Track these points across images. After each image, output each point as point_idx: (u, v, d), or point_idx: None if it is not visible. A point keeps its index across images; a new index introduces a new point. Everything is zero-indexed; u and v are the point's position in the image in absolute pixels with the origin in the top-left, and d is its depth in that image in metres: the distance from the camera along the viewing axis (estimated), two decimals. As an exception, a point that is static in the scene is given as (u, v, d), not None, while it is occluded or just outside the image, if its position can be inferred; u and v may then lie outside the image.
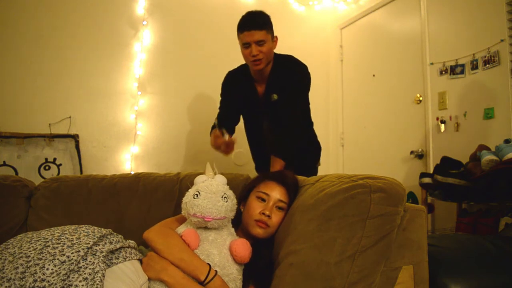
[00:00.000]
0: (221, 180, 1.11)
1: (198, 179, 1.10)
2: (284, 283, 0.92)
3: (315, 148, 2.13)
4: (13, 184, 1.36)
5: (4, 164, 2.34)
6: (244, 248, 1.02)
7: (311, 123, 2.13)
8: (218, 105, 3.32)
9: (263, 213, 1.10)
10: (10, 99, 2.47)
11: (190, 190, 1.08)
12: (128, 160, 2.78)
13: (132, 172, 2.69)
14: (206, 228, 1.05)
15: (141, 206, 1.37)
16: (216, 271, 0.96)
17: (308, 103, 2.02)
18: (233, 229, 1.12)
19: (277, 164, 1.76)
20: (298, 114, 1.86)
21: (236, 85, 2.04)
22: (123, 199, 1.38)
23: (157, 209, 1.37)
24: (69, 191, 1.38)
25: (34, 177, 2.38)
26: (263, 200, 1.13)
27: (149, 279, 0.96)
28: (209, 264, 0.97)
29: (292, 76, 1.83)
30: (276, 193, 1.13)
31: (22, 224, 1.32)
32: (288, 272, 0.93)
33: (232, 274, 1.00)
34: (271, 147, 1.85)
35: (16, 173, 2.35)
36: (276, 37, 1.86)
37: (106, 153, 2.73)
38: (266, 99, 1.88)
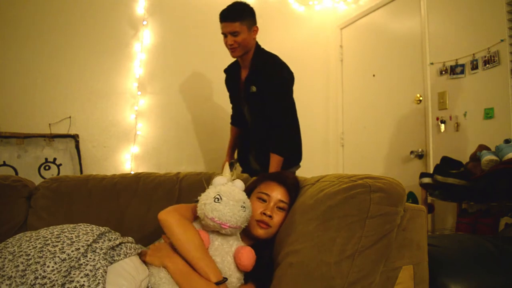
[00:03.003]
0: (240, 186, 1.09)
1: (218, 181, 1.08)
2: (284, 283, 0.92)
3: (293, 151, 2.10)
4: (13, 184, 1.36)
5: (4, 164, 2.34)
6: (248, 257, 1.01)
7: (295, 126, 2.12)
8: (218, 105, 3.34)
9: (264, 213, 1.10)
10: (10, 99, 2.47)
11: (209, 191, 1.05)
12: (128, 160, 2.78)
13: (132, 172, 2.69)
14: (216, 231, 1.04)
15: (141, 206, 1.38)
16: (225, 278, 0.96)
17: (291, 107, 2.07)
18: (239, 234, 1.11)
19: (274, 160, 1.88)
20: (285, 110, 1.98)
21: (230, 73, 2.21)
22: (123, 199, 1.38)
23: (157, 208, 1.34)
24: (69, 191, 1.38)
25: (34, 177, 2.38)
26: (264, 200, 1.13)
27: (150, 272, 0.97)
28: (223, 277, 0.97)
29: (272, 75, 1.93)
30: (276, 193, 1.13)
31: (22, 224, 1.32)
32: (288, 272, 0.93)
33: (232, 283, 1.00)
34: (251, 128, 2.05)
35: (16, 173, 2.35)
36: (256, 27, 1.96)
37: (106, 153, 2.73)
38: (246, 88, 2.01)
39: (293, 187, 1.17)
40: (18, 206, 1.34)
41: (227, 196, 1.01)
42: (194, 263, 0.95)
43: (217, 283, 0.93)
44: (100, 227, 1.00)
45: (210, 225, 1.01)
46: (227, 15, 1.89)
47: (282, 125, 1.94)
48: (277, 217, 1.11)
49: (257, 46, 2.02)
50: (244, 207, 1.03)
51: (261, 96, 1.95)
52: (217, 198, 1.01)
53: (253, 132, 2.09)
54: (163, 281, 0.94)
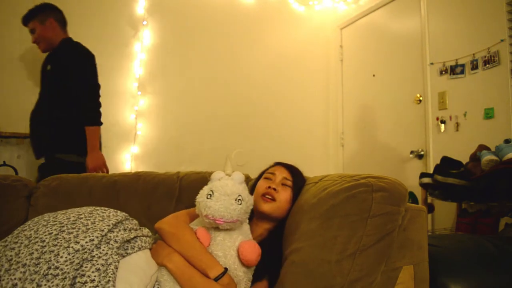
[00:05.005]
0: (238, 178, 1.06)
1: (215, 176, 1.07)
2: (285, 280, 0.92)
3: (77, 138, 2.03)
4: (13, 184, 1.36)
5: (4, 164, 2.34)
6: (251, 252, 0.99)
7: (75, 108, 2.02)
8: (218, 105, 3.32)
9: (269, 187, 1.13)
10: (10, 99, 2.47)
11: (205, 187, 1.05)
12: (128, 160, 2.78)
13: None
14: (217, 227, 1.03)
15: (141, 204, 1.38)
16: (226, 268, 0.96)
17: (90, 87, 2.06)
18: (247, 227, 1.09)
19: (90, 132, 1.97)
20: (85, 80, 2.03)
21: None
22: (123, 197, 1.38)
23: (157, 207, 1.37)
24: (69, 190, 1.38)
25: (34, 177, 2.37)
26: (270, 179, 1.19)
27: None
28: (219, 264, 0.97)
29: (68, 51, 2.09)
30: (281, 172, 1.19)
31: (22, 223, 1.31)
32: (290, 270, 0.93)
33: (238, 277, 0.98)
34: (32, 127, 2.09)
35: (16, 173, 2.35)
36: (52, 19, 2.13)
37: (106, 153, 2.69)
38: (42, 68, 2.15)
39: (297, 172, 1.23)
40: (18, 206, 1.34)
41: (219, 191, 1.00)
42: (191, 262, 0.96)
43: (216, 278, 0.92)
44: (118, 213, 0.99)
45: (206, 222, 1.01)
46: (22, 20, 2.14)
47: (90, 94, 2.01)
48: (283, 192, 1.14)
49: (68, 39, 2.17)
50: (240, 199, 1.00)
51: (56, 73, 2.04)
52: (209, 194, 1.00)
53: (35, 115, 2.09)
54: (165, 278, 0.95)
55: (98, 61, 2.73)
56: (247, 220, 1.10)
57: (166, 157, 2.89)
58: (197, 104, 3.04)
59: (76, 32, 2.67)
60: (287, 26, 3.42)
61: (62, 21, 2.19)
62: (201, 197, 1.02)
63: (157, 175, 1.47)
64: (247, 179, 1.47)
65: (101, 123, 2.05)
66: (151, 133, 2.87)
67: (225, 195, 0.99)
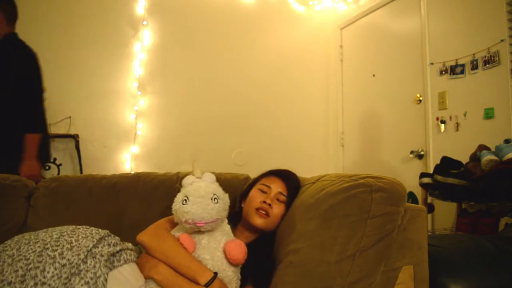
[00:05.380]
0: (209, 179, 1.06)
1: (186, 181, 1.06)
2: (283, 281, 0.92)
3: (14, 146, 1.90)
4: (13, 184, 1.36)
5: (4, 164, 2.34)
6: (238, 251, 0.99)
7: (28, 120, 1.92)
8: (218, 104, 3.32)
9: (264, 202, 1.11)
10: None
11: (178, 194, 1.04)
12: (128, 160, 2.78)
13: (132, 172, 2.69)
14: (199, 231, 1.03)
15: (141, 205, 1.37)
16: (215, 273, 0.95)
17: (31, 92, 1.94)
18: (228, 227, 1.10)
19: (28, 140, 1.85)
20: (32, 84, 1.91)
21: None
22: (123, 198, 1.38)
23: (156, 207, 1.37)
24: (69, 191, 1.38)
25: (34, 177, 2.37)
26: (265, 192, 1.15)
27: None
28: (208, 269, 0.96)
29: (13, 51, 1.94)
30: (276, 185, 1.15)
31: (21, 223, 1.32)
32: (288, 271, 0.93)
33: (228, 277, 0.98)
34: None
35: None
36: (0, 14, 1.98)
37: (106, 153, 2.73)
38: None
39: (294, 183, 1.18)
40: (18, 206, 1.33)
41: (193, 195, 0.99)
42: (179, 270, 0.95)
43: (207, 284, 0.92)
44: (100, 230, 0.98)
45: (187, 227, 1.00)
46: None
47: (33, 100, 1.90)
48: (277, 208, 1.12)
49: (12, 35, 2.02)
50: (215, 198, 1.00)
51: None
52: (185, 200, 0.99)
53: None
54: None
55: (98, 61, 2.75)
56: (226, 220, 1.09)
57: (166, 157, 2.89)
58: (197, 104, 3.04)
59: (76, 32, 2.68)
60: (287, 26, 3.42)
61: (10, 15, 2.04)
62: (177, 204, 1.01)
63: (157, 176, 1.47)
64: (247, 179, 1.47)
65: (42, 131, 1.93)
66: (151, 133, 2.87)
67: (200, 197, 0.99)
